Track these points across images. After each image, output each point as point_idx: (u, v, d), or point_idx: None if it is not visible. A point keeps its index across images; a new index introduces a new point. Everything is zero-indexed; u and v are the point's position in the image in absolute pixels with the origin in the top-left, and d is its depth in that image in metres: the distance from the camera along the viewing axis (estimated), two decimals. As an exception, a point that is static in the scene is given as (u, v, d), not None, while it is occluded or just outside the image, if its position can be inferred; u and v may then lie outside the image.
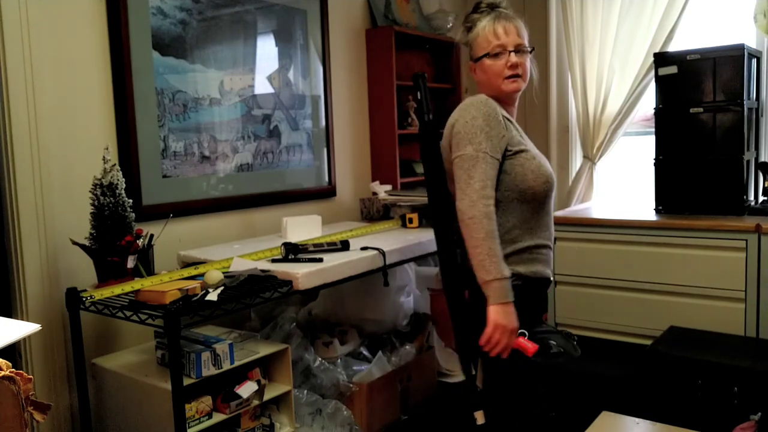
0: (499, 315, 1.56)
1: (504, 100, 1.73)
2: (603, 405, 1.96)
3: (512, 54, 1.66)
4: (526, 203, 1.66)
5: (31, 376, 0.96)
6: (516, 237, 1.67)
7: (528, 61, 1.71)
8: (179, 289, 1.82)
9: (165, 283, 1.94)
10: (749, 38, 3.01)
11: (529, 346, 1.57)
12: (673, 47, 3.17)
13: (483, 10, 1.72)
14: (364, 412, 2.42)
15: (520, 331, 1.59)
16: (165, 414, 1.80)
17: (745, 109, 2.61)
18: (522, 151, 1.66)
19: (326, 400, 2.35)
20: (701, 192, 2.71)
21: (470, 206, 1.56)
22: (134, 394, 1.97)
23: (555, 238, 1.85)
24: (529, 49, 1.70)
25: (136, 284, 1.97)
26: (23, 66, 1.99)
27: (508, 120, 1.70)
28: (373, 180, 3.31)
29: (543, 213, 1.70)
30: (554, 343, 1.63)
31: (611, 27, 3.40)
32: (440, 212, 1.69)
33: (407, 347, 2.76)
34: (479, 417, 1.63)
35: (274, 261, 2.20)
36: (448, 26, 3.69)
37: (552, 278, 1.76)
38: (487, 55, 1.68)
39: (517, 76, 1.68)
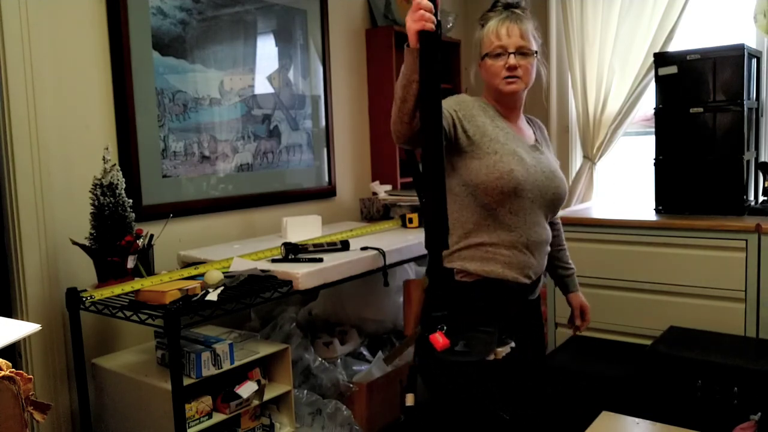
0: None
1: (505, 102, 1.72)
2: (603, 405, 1.96)
3: (512, 56, 1.64)
4: (481, 199, 1.63)
5: (31, 376, 0.96)
6: (470, 231, 1.65)
7: (532, 64, 1.68)
8: (179, 289, 1.82)
9: (165, 283, 1.94)
10: (749, 38, 3.01)
11: (440, 342, 1.51)
12: (673, 47, 3.17)
13: (497, 9, 1.71)
14: (364, 412, 2.42)
15: (438, 326, 1.53)
16: (165, 414, 1.80)
17: (745, 109, 2.61)
18: (485, 145, 1.62)
19: (326, 400, 2.35)
20: (701, 192, 2.71)
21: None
22: (134, 394, 1.97)
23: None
24: (533, 51, 1.67)
25: (136, 284, 1.97)
26: (23, 66, 1.99)
27: (496, 116, 1.70)
28: (373, 180, 3.31)
29: (507, 212, 1.63)
30: (463, 342, 1.58)
31: (611, 27, 3.40)
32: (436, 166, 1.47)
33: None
34: (409, 399, 1.60)
35: (274, 261, 2.20)
36: (448, 26, 3.69)
37: (528, 281, 1.68)
38: (487, 54, 1.68)
39: (514, 77, 1.66)
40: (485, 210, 1.63)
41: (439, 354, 1.51)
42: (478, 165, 1.61)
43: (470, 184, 1.63)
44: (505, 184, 1.60)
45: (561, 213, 3.00)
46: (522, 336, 1.74)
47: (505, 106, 1.73)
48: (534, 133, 1.81)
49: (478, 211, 1.64)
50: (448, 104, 1.64)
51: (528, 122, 1.84)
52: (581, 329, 2.02)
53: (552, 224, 1.84)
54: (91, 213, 2.00)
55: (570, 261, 2.01)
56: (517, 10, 1.68)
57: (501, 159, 1.61)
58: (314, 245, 2.30)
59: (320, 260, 2.16)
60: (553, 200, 1.72)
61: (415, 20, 1.43)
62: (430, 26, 1.42)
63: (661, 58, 2.79)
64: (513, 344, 1.70)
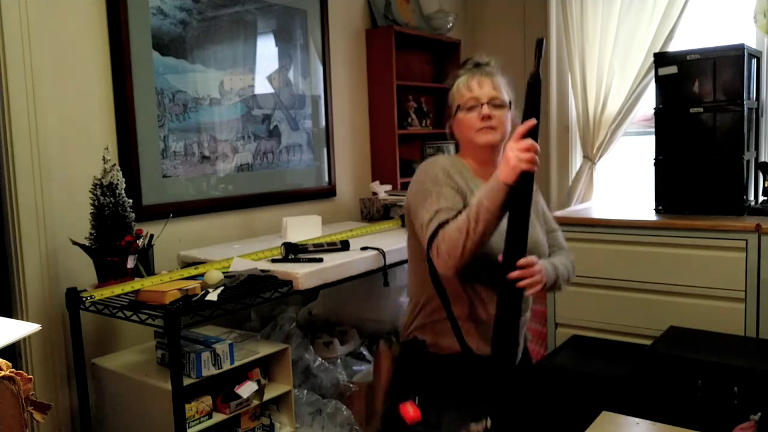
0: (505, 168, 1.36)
1: (482, 158, 1.62)
2: (603, 405, 1.96)
3: (485, 106, 1.57)
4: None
5: (31, 376, 0.96)
6: (437, 306, 1.53)
7: (506, 116, 1.60)
8: (179, 289, 1.82)
9: (165, 283, 1.94)
10: (749, 38, 3.01)
11: (410, 413, 1.42)
12: (673, 47, 3.17)
13: (467, 67, 1.67)
14: (364, 412, 2.42)
15: (409, 395, 1.48)
16: (165, 414, 1.80)
17: (745, 109, 2.61)
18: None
19: (326, 400, 2.35)
20: (701, 192, 2.71)
21: (434, 238, 1.44)
22: (134, 394, 1.97)
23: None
24: (507, 103, 1.60)
25: (136, 284, 1.97)
26: (23, 66, 1.99)
27: (474, 179, 1.59)
28: (373, 180, 3.31)
29: (477, 285, 1.52)
30: (435, 414, 1.48)
31: (611, 27, 3.40)
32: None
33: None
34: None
35: (274, 261, 2.20)
36: (448, 26, 3.69)
37: (497, 353, 1.48)
38: (460, 107, 1.61)
39: (489, 127, 1.57)
40: (460, 281, 1.51)
41: (408, 427, 1.43)
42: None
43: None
44: (477, 257, 1.45)
45: (561, 213, 2.97)
46: (500, 412, 1.54)
47: (483, 163, 1.62)
48: None
49: (451, 282, 1.51)
50: (444, 173, 1.55)
51: None
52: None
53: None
54: (91, 213, 2.00)
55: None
56: (487, 68, 1.64)
57: None
58: (314, 245, 2.30)
59: (320, 260, 2.16)
60: None
61: (526, 161, 1.33)
62: (535, 169, 1.35)
63: (661, 58, 2.79)
64: (489, 421, 1.51)
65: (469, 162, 1.64)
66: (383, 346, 1.75)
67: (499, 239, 1.44)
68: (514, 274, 1.38)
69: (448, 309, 1.49)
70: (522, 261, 1.39)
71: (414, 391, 1.50)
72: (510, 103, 1.62)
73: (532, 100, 1.37)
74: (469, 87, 1.61)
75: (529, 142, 1.34)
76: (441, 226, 1.44)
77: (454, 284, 1.51)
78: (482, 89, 1.59)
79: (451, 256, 1.40)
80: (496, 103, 1.59)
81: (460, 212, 1.45)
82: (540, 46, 1.36)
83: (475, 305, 1.54)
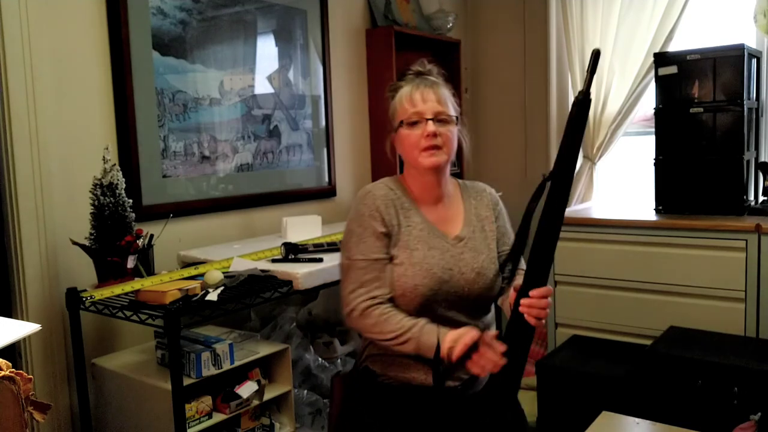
0: (446, 342, 1.32)
1: (425, 180, 1.50)
2: (603, 405, 1.96)
3: (430, 122, 1.44)
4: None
5: (31, 376, 0.96)
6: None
7: (452, 132, 1.47)
8: (179, 289, 1.82)
9: (165, 283, 1.94)
10: (749, 38, 3.01)
11: None
12: (673, 47, 3.17)
13: (408, 77, 1.53)
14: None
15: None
16: (165, 414, 1.80)
17: (745, 109, 2.61)
18: (392, 254, 1.45)
19: (326, 400, 2.35)
20: (701, 192, 2.71)
21: (346, 315, 1.43)
22: (134, 394, 1.97)
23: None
24: (453, 118, 1.48)
25: (136, 284, 1.97)
26: (23, 66, 1.98)
27: (410, 208, 1.50)
28: (373, 180, 3.30)
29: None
30: None
31: (611, 27, 3.40)
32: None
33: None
34: None
35: (274, 261, 2.20)
36: (448, 26, 3.69)
37: (457, 383, 1.45)
38: (402, 123, 1.48)
39: (435, 147, 1.44)
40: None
41: None
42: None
43: None
44: (409, 302, 1.42)
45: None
46: None
47: (425, 186, 1.51)
48: (467, 212, 1.56)
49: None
50: (372, 211, 1.46)
51: (463, 197, 1.58)
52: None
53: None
54: (91, 213, 2.00)
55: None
56: (430, 77, 1.51)
57: (405, 272, 1.42)
58: (314, 245, 2.30)
59: (320, 260, 2.16)
60: (481, 299, 1.49)
61: (480, 367, 1.29)
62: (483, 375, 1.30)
63: (661, 58, 2.79)
64: None
65: (411, 187, 1.53)
66: (338, 376, 1.71)
67: (433, 283, 1.41)
68: (541, 303, 1.25)
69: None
70: (542, 290, 1.26)
71: (362, 420, 1.46)
72: (457, 118, 1.50)
73: (578, 121, 1.17)
74: (412, 101, 1.47)
75: (497, 352, 1.25)
76: (364, 303, 1.40)
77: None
78: (426, 104, 1.45)
79: (363, 331, 1.43)
80: (441, 118, 1.46)
81: (379, 261, 1.42)
82: (596, 59, 1.16)
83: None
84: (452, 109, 1.49)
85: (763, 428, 1.97)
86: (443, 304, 1.44)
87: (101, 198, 1.98)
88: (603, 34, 3.43)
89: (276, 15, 2.85)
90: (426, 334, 1.34)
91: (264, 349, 2.12)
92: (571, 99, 3.63)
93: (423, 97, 1.46)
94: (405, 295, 1.42)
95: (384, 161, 3.39)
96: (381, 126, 3.36)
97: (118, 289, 1.94)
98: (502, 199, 1.67)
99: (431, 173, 1.49)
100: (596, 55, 1.15)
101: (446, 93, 1.50)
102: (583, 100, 1.16)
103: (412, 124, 1.46)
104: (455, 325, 1.40)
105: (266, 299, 2.00)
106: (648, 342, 2.45)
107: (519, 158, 3.91)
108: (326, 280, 2.11)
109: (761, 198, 2.79)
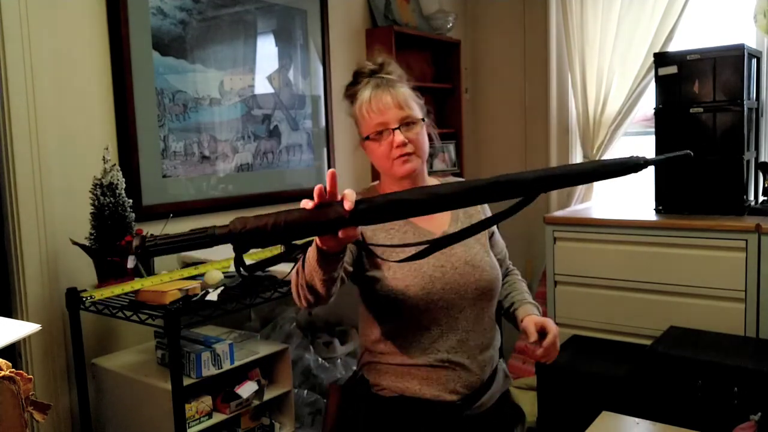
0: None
1: (402, 187, 1.36)
2: (603, 405, 1.96)
3: (397, 132, 1.36)
4: (385, 318, 1.40)
5: (31, 376, 0.96)
6: (383, 350, 1.41)
7: (420, 133, 1.39)
8: (179, 289, 1.82)
9: (165, 283, 1.94)
10: (749, 38, 3.01)
11: None
12: (673, 47, 3.17)
13: (362, 80, 1.42)
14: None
15: None
16: (165, 414, 1.80)
17: (745, 109, 2.61)
18: (378, 260, 1.36)
19: (326, 400, 2.34)
20: (701, 192, 2.71)
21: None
22: (134, 394, 1.97)
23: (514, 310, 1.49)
24: (419, 118, 1.40)
25: (136, 284, 1.97)
26: (23, 66, 1.98)
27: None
28: (373, 180, 3.30)
29: (415, 328, 1.38)
30: None
31: (611, 27, 3.40)
32: None
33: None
34: None
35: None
36: (448, 26, 3.69)
37: (456, 397, 1.37)
38: (368, 137, 1.39)
39: (407, 154, 1.37)
40: (393, 329, 1.39)
41: None
42: (374, 286, 1.38)
43: (371, 304, 1.42)
44: (402, 304, 1.35)
45: (561, 213, 2.95)
46: None
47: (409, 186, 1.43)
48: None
49: (385, 329, 1.40)
50: None
51: None
52: (545, 355, 1.42)
53: (504, 275, 1.57)
54: (91, 213, 2.00)
55: (520, 294, 1.57)
56: (384, 74, 1.41)
57: (394, 275, 1.36)
58: (314, 245, 2.29)
59: (320, 260, 2.15)
60: (479, 295, 1.41)
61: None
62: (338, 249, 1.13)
63: (661, 58, 2.79)
64: None
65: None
66: (335, 384, 1.66)
67: (424, 281, 1.34)
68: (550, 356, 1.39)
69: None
70: (548, 340, 1.37)
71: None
72: (423, 118, 1.41)
73: (613, 171, 1.09)
74: (371, 110, 1.37)
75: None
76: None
77: (386, 331, 1.40)
78: (388, 112, 1.36)
79: (296, 297, 1.32)
80: (407, 122, 1.38)
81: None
82: (684, 158, 1.11)
83: (410, 350, 1.38)
84: (416, 110, 1.41)
85: (763, 428, 1.97)
86: (440, 303, 1.37)
87: (101, 198, 1.98)
88: (603, 34, 3.43)
89: (276, 15, 2.85)
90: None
91: (264, 349, 2.12)
92: (572, 99, 3.63)
93: (383, 104, 1.37)
94: (398, 300, 1.35)
95: (384, 161, 3.39)
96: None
97: (118, 289, 1.94)
98: None
99: (407, 180, 1.41)
100: (688, 156, 1.10)
101: (406, 92, 1.41)
102: (639, 166, 1.09)
103: (379, 134, 1.38)
104: (459, 331, 1.37)
105: (266, 299, 2.00)
106: (648, 342, 2.45)
107: (519, 158, 3.91)
108: (326, 280, 2.11)
109: (761, 198, 2.79)
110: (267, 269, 2.06)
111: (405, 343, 1.38)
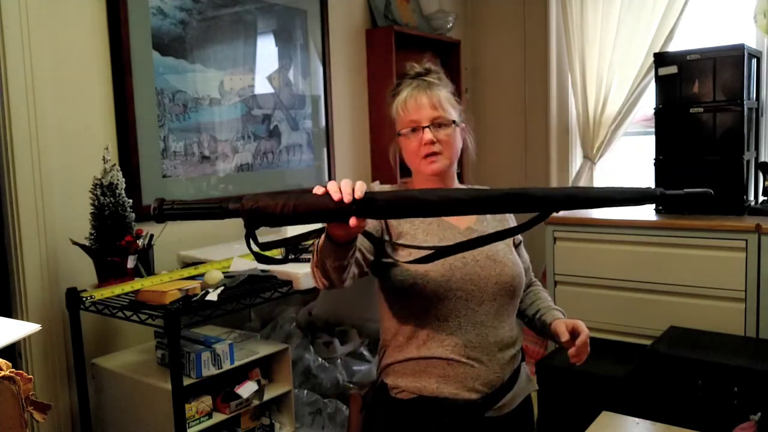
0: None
1: (430, 186, 1.44)
2: (603, 405, 1.96)
3: (426, 130, 1.40)
4: (404, 309, 1.40)
5: (31, 376, 0.96)
6: (401, 344, 1.40)
7: (452, 135, 1.43)
8: (179, 289, 1.82)
9: (165, 283, 1.94)
10: (749, 38, 3.01)
11: None
12: (673, 47, 3.17)
13: (406, 79, 1.48)
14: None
15: None
16: (165, 414, 1.80)
17: (745, 109, 2.61)
18: (400, 248, 1.37)
19: (326, 400, 2.35)
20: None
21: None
22: (134, 394, 1.97)
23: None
24: (451, 121, 1.43)
25: (136, 284, 1.97)
26: (23, 66, 1.98)
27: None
28: (373, 180, 3.31)
29: (434, 318, 1.37)
30: None
31: (611, 27, 3.40)
32: None
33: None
34: None
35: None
36: (448, 26, 3.69)
37: (476, 396, 1.36)
38: (401, 133, 1.45)
39: (434, 154, 1.41)
40: (411, 319, 1.39)
41: None
42: (393, 272, 1.38)
43: (390, 293, 1.41)
44: (421, 290, 1.35)
45: (561, 213, 2.95)
46: None
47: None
48: None
49: (404, 321, 1.40)
50: None
51: None
52: (577, 355, 1.47)
53: (527, 286, 1.59)
54: (91, 213, 2.00)
55: (545, 302, 1.62)
56: (427, 77, 1.45)
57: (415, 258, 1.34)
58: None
59: (320, 260, 2.15)
60: (499, 290, 1.40)
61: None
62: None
63: (661, 58, 2.79)
64: None
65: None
66: (355, 392, 1.64)
67: (444, 270, 1.35)
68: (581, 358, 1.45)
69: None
70: (581, 339, 1.44)
71: None
72: (454, 122, 1.44)
73: (629, 200, 1.16)
74: (406, 108, 1.43)
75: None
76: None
77: (405, 323, 1.40)
78: (421, 111, 1.41)
79: (317, 281, 1.29)
80: (439, 123, 1.41)
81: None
82: (707, 198, 1.18)
83: (429, 344, 1.38)
84: (451, 112, 1.44)
85: (763, 428, 1.97)
86: (458, 293, 1.36)
87: (101, 198, 1.98)
88: (603, 34, 3.43)
89: (276, 15, 2.85)
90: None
91: (264, 349, 2.12)
92: (572, 99, 3.63)
93: (417, 104, 1.42)
94: (416, 283, 1.35)
95: (384, 161, 3.38)
96: (381, 126, 3.36)
97: (118, 289, 1.94)
98: None
99: (435, 179, 1.45)
100: (708, 195, 1.18)
101: (444, 94, 1.45)
102: (660, 196, 1.18)
103: (411, 131, 1.43)
104: (478, 326, 1.37)
105: (266, 299, 2.00)
106: (648, 342, 2.45)
107: (519, 158, 3.91)
108: (326, 280, 2.11)
109: (761, 198, 2.79)
110: (267, 270, 2.06)
111: (422, 333, 1.38)
